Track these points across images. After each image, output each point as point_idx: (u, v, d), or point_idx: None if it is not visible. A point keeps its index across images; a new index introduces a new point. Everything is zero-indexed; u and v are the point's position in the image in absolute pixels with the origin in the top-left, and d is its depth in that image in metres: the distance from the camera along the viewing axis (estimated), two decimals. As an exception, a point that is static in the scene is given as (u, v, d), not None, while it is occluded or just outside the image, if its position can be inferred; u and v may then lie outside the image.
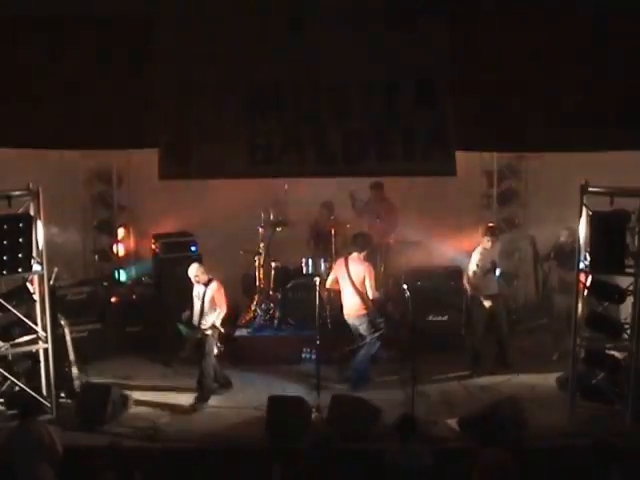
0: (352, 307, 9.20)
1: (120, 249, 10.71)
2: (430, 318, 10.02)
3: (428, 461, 6.83)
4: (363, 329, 9.19)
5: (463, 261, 10.14)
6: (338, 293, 9.54)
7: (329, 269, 9.91)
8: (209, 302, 8.84)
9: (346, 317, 9.30)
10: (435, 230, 10.66)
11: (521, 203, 11.18)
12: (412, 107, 8.62)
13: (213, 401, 8.91)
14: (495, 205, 10.88)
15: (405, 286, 8.92)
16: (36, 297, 8.39)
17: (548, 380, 9.20)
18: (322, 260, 10.14)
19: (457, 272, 10.28)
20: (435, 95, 8.60)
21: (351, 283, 9.16)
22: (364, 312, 9.15)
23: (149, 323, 9.98)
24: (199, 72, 8.62)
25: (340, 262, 9.36)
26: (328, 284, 9.46)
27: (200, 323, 8.86)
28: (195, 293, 8.95)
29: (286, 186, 10.36)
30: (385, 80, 8.61)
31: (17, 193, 8.18)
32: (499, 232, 9.82)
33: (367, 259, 9.29)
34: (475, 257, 9.46)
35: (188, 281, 8.96)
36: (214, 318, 8.86)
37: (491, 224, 9.97)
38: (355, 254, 9.22)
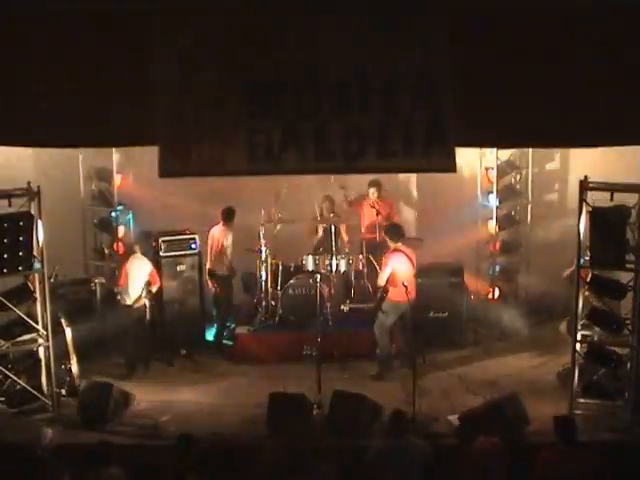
0: (410, 293, 9.12)
1: (121, 247, 10.66)
2: (431, 315, 10.03)
3: (427, 451, 6.84)
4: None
5: (463, 257, 10.21)
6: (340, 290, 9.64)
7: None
8: None
9: (404, 304, 9.14)
10: (435, 227, 10.67)
11: (522, 199, 11.13)
12: (412, 104, 8.56)
13: (214, 399, 8.96)
14: (495, 201, 10.77)
15: (405, 283, 8.94)
16: (36, 295, 8.38)
17: (549, 376, 9.22)
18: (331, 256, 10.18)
19: (457, 268, 10.32)
20: (435, 92, 8.54)
21: (413, 270, 9.33)
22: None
23: (150, 321, 9.89)
24: (198, 69, 8.56)
25: (397, 255, 9.35)
26: (383, 281, 9.34)
27: None
28: None
29: (286, 184, 10.38)
30: (385, 77, 8.54)
31: (17, 192, 8.18)
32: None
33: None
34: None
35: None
36: None
37: (230, 207, 10.26)
38: (398, 244, 9.40)
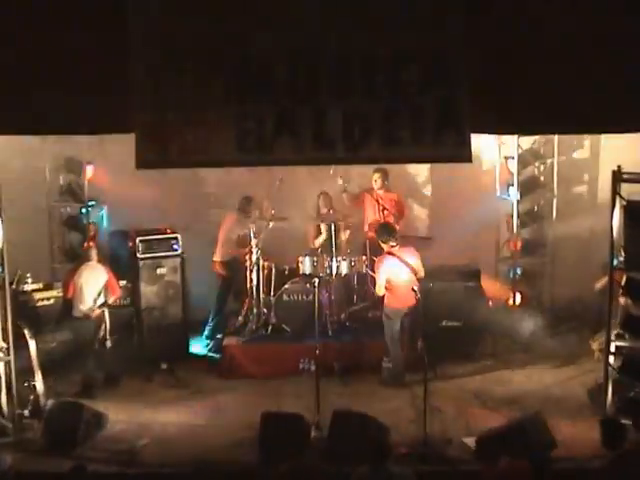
0: (409, 299, 8.86)
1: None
2: (443, 323, 9.65)
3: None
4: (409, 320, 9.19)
5: (480, 259, 9.94)
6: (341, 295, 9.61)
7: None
8: None
9: (399, 311, 9.12)
10: (448, 224, 10.41)
11: (546, 192, 10.79)
12: (422, 86, 8.20)
13: (198, 420, 8.53)
14: (516, 195, 10.43)
15: (415, 288, 8.55)
16: (-5, 303, 8.05)
17: (578, 392, 8.75)
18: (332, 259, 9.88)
19: (474, 271, 9.98)
20: (448, 73, 8.18)
21: (411, 274, 9.12)
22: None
23: (126, 331, 9.60)
24: (181, 45, 8.14)
25: (388, 259, 9.15)
26: (380, 290, 9.18)
27: None
28: None
29: (280, 176, 10.06)
30: (392, 55, 8.16)
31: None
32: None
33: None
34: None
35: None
36: None
37: (248, 195, 10.29)
38: (389, 246, 9.21)
